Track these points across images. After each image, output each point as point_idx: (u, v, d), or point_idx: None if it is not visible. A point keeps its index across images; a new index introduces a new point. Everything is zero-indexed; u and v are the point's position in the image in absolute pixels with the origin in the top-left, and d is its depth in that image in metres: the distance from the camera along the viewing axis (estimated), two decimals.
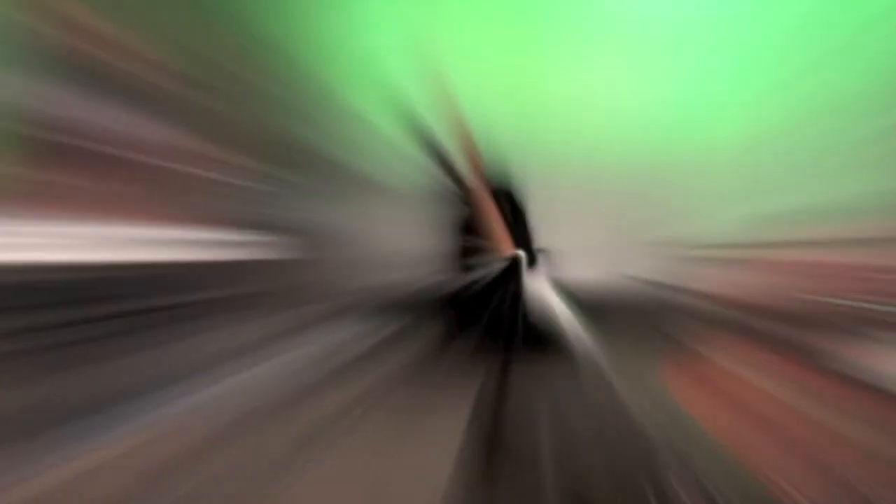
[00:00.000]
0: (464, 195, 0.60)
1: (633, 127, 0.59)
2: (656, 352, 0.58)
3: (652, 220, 0.60)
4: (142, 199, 0.55)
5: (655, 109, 0.59)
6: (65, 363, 0.51)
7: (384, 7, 0.59)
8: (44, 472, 0.49)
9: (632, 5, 0.58)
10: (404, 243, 0.60)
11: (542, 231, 0.61)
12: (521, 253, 0.61)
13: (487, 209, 0.61)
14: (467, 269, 0.61)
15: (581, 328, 0.59)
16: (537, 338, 0.59)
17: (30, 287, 0.51)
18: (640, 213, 0.60)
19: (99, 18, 0.54)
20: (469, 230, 0.61)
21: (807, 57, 0.55)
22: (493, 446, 0.57)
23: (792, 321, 0.55)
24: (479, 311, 0.60)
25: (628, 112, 0.59)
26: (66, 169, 0.54)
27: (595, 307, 0.59)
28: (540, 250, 0.61)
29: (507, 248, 0.61)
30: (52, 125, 0.53)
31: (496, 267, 0.61)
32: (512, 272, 0.60)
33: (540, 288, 0.60)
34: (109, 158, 0.55)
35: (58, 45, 0.53)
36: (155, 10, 0.56)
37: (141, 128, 0.56)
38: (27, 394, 0.50)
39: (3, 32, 0.52)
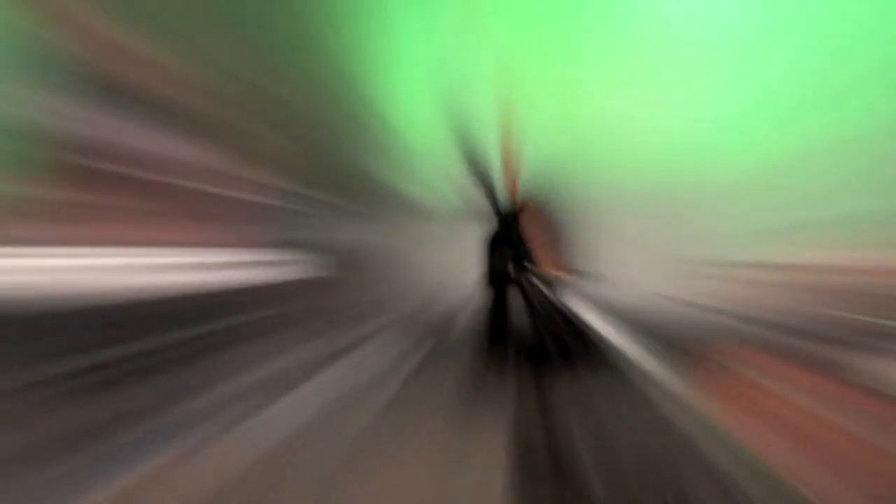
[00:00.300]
0: (505, 215, 0.60)
1: (670, 146, 0.59)
2: (692, 368, 0.59)
3: (686, 239, 0.60)
4: (176, 222, 0.54)
5: (692, 128, 0.59)
6: (98, 392, 0.50)
7: (427, 25, 0.58)
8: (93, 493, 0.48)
9: (673, 25, 0.59)
10: (444, 263, 0.60)
11: (581, 251, 0.62)
12: (561, 273, 0.61)
13: (528, 229, 0.61)
14: (507, 288, 0.61)
15: (619, 346, 0.59)
16: (576, 356, 0.59)
17: (68, 314, 0.50)
18: (675, 233, 0.60)
19: (133, 37, 0.53)
20: (510, 250, 0.61)
21: (846, 78, 0.56)
22: (537, 464, 0.57)
23: (823, 338, 0.57)
24: (518, 330, 0.60)
25: (666, 131, 0.59)
26: (98, 191, 0.53)
27: (633, 326, 0.60)
28: (579, 270, 0.61)
29: (546, 268, 0.62)
30: (83, 147, 0.52)
31: (536, 287, 0.61)
32: (551, 292, 0.61)
33: (579, 307, 0.61)
34: (143, 181, 0.54)
35: (92, 66, 0.52)
36: (190, 28, 0.55)
37: (175, 149, 0.55)
38: (67, 417, 0.49)
39: (36, 53, 0.51)
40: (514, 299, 0.61)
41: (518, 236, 0.61)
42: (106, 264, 0.52)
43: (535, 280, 0.61)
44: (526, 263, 0.61)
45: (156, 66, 0.53)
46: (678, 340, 0.59)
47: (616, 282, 0.61)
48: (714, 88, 0.59)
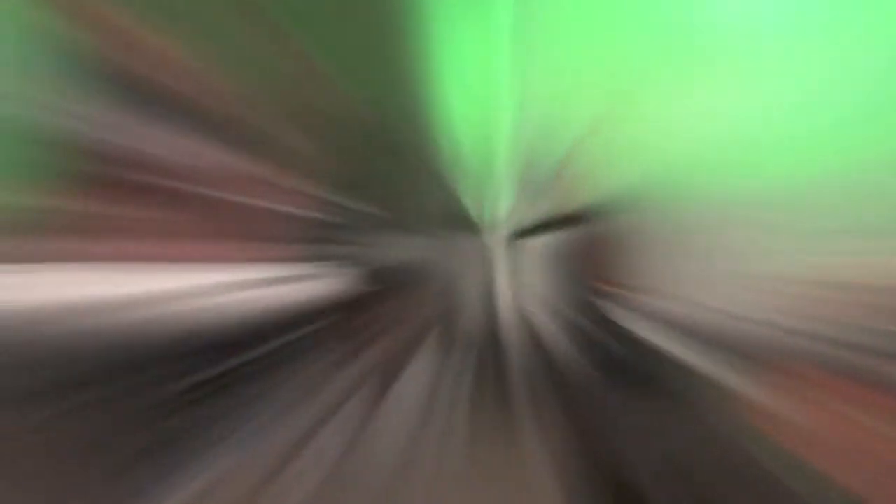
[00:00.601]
0: (566, 231, 0.58)
1: (732, 162, 0.57)
2: (755, 385, 0.57)
3: (748, 254, 0.59)
4: (210, 237, 0.51)
5: (755, 144, 0.57)
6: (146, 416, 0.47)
7: (480, 27, 0.55)
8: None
9: (732, 35, 0.56)
10: (497, 279, 0.57)
11: (643, 268, 0.59)
12: (622, 289, 0.59)
13: (590, 246, 0.58)
14: (568, 306, 0.58)
15: (682, 362, 0.57)
16: (637, 372, 0.57)
17: (94, 336, 0.46)
18: (737, 248, 0.58)
19: (165, 38, 0.49)
20: (571, 267, 0.58)
21: None
22: (597, 483, 0.55)
23: (880, 354, 0.56)
24: (579, 347, 0.58)
25: (729, 147, 0.57)
26: (125, 203, 0.49)
27: (695, 342, 0.58)
28: (640, 286, 0.59)
29: (607, 284, 0.59)
30: (110, 155, 0.48)
31: (597, 303, 0.59)
32: (612, 308, 0.58)
33: (640, 323, 0.58)
34: (174, 192, 0.50)
35: (121, 69, 0.48)
36: (226, 31, 0.51)
37: (209, 158, 0.51)
38: (103, 445, 0.46)
39: (60, 54, 0.47)
40: (575, 316, 0.58)
41: (580, 252, 0.58)
42: (139, 283, 0.48)
43: (597, 297, 0.59)
44: (587, 280, 0.58)
45: (189, 69, 0.49)
46: (741, 356, 0.57)
47: (677, 298, 0.58)
48: (778, 105, 0.57)
